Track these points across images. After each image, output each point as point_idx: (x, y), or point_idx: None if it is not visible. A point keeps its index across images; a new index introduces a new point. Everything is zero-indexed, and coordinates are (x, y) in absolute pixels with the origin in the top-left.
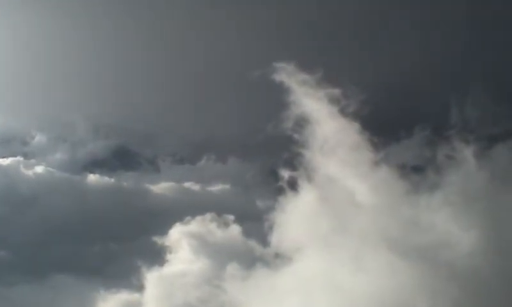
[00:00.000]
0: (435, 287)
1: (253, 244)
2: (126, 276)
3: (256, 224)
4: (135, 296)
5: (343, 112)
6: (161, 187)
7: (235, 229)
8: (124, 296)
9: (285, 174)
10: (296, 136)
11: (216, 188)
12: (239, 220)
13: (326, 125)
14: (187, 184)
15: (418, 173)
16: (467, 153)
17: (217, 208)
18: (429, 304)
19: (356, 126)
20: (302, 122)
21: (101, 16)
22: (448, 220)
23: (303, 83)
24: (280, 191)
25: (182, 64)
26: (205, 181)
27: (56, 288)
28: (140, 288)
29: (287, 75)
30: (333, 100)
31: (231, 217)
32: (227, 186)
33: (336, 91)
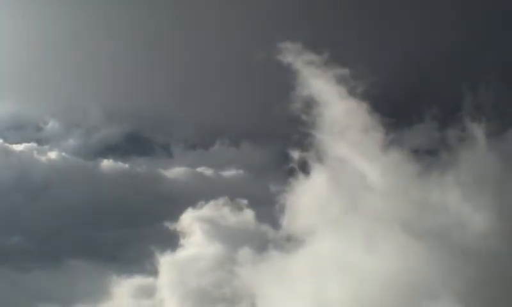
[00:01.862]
0: (448, 267)
1: (266, 227)
2: (140, 261)
3: (269, 208)
4: (149, 281)
5: (352, 93)
6: (174, 172)
7: (248, 214)
8: (138, 281)
9: (297, 156)
10: (305, 118)
11: (229, 173)
12: (252, 204)
13: (335, 106)
14: (200, 169)
15: (429, 154)
16: (479, 133)
17: (231, 192)
18: (442, 284)
19: (365, 107)
20: (311, 103)
21: (112, 2)
22: (460, 201)
23: (310, 63)
24: (292, 173)
25: (192, 49)
26: (218, 166)
27: (70, 273)
28: (154, 273)
29: (294, 55)
30: (341, 81)
31: (244, 202)
32: (240, 170)
33: (345, 72)
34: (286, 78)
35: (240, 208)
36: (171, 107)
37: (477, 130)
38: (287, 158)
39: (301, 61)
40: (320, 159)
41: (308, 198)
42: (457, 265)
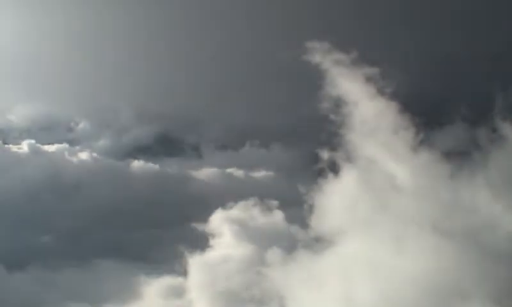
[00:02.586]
0: (479, 268)
1: (296, 228)
2: (169, 262)
3: (299, 209)
4: (178, 281)
5: (381, 92)
6: (204, 173)
7: (278, 215)
8: (167, 281)
9: (326, 157)
10: (334, 118)
11: (259, 174)
12: (282, 205)
13: (364, 106)
14: (230, 170)
15: (460, 155)
16: (510, 134)
17: (260, 193)
18: (473, 285)
19: (395, 107)
20: (340, 103)
21: (143, 5)
22: (490, 202)
23: (339, 63)
24: (321, 174)
25: (223, 50)
26: (248, 167)
27: (99, 273)
28: (183, 273)
29: (322, 55)
30: (370, 80)
31: (274, 203)
32: (270, 172)
33: (374, 71)
34: (314, 79)
35: (270, 209)
36: (201, 108)
37: (508, 131)
38: (316, 158)
39: (329, 60)
40: (349, 159)
41: (338, 198)
42: (488, 265)
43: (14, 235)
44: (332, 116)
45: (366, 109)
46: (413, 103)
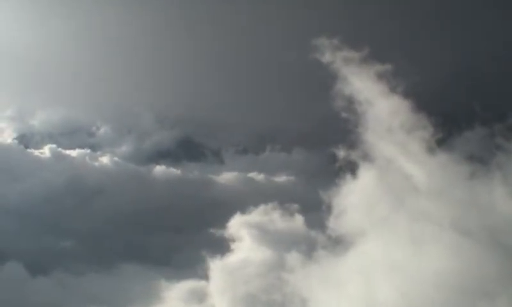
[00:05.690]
0: (499, 268)
1: (316, 232)
2: (190, 266)
3: (319, 213)
4: (199, 285)
5: (394, 90)
6: (225, 178)
7: (298, 219)
8: (189, 285)
9: (343, 155)
10: (349, 117)
11: (280, 178)
12: (303, 210)
13: (378, 105)
14: (251, 174)
15: (477, 154)
16: None
17: (281, 197)
18: (494, 284)
19: (409, 105)
20: (354, 102)
21: (165, 11)
22: (508, 201)
23: (349, 61)
24: (339, 174)
25: (242, 56)
26: (269, 172)
27: (121, 277)
28: (204, 277)
29: (331, 52)
30: (382, 78)
31: (295, 207)
32: (292, 176)
33: (386, 68)
34: (327, 77)
35: (290, 213)
36: (222, 113)
37: None
38: (335, 159)
39: (339, 58)
40: (367, 158)
41: (356, 199)
42: (507, 264)
43: (37, 239)
44: (347, 115)
45: (380, 108)
46: (428, 102)
